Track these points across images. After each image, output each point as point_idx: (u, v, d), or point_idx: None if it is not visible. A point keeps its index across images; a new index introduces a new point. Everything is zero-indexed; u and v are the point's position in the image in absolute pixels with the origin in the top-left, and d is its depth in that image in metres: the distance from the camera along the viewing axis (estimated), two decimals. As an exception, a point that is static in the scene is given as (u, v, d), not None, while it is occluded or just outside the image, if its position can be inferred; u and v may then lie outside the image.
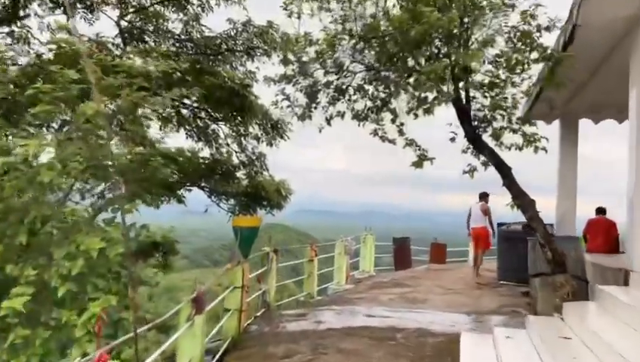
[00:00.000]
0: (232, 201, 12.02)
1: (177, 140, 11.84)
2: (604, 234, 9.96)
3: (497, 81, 5.81)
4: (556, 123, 10.29)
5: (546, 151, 6.10)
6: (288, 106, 6.47)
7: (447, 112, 6.23)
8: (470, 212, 11.81)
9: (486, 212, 11.62)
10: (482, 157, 6.60)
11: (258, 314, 8.28)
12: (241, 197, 11.39)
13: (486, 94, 5.93)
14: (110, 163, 5.42)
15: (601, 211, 10.45)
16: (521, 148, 6.42)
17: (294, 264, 13.34)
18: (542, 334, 5.19)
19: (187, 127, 11.09)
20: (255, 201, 11.69)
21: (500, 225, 11.48)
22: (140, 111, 6.03)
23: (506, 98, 5.86)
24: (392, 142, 7.27)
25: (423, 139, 7.14)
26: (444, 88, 5.90)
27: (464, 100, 6.03)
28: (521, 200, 5.90)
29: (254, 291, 8.75)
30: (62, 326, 3.92)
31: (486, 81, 6.05)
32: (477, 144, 6.09)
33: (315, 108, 6.70)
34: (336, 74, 6.33)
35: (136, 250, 5.37)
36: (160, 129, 10.90)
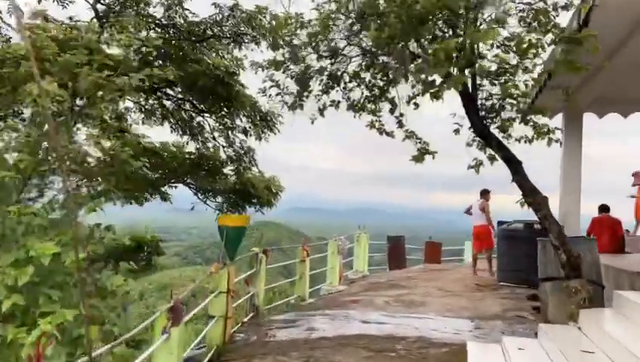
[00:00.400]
0: (219, 199, 11.42)
1: (162, 135, 11.23)
2: (609, 233, 9.54)
3: (507, 66, 5.27)
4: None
5: (561, 143, 5.60)
6: (278, 94, 5.89)
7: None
8: (470, 208, 11.36)
9: (484, 209, 11.15)
10: (489, 151, 6.08)
11: (246, 319, 7.73)
12: (229, 194, 10.79)
13: (495, 81, 5.39)
14: (71, 155, 4.82)
15: (604, 209, 10.03)
16: (531, 141, 5.90)
17: (286, 262, 12.83)
18: (560, 346, 4.68)
19: (172, 120, 10.46)
20: (244, 199, 11.11)
21: (499, 223, 11.00)
22: (101, 93, 5.37)
23: (517, 85, 5.32)
24: (390, 134, 6.73)
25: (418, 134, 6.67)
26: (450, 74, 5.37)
27: (470, 88, 5.49)
28: (533, 197, 5.38)
29: (243, 294, 8.23)
30: (8, 344, 3.34)
31: (494, 68, 5.52)
32: (485, 136, 5.55)
33: (307, 97, 6.12)
34: (330, 59, 5.75)
35: (102, 254, 4.77)
36: (142, 122, 10.26)
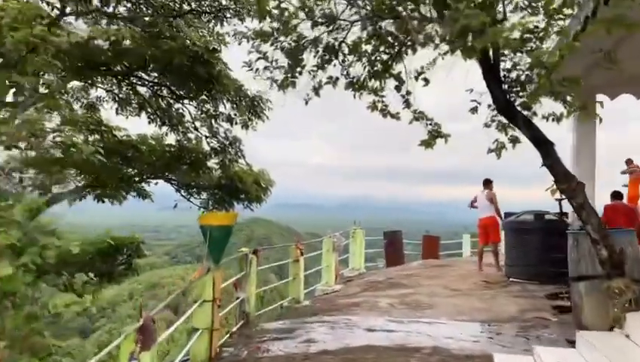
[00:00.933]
0: (204, 195, 10.52)
1: (141, 126, 10.31)
2: (624, 220, 8.82)
3: (536, 30, 4.47)
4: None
5: (601, 120, 4.85)
6: (265, 68, 5.02)
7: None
8: (475, 200, 10.63)
9: (492, 200, 10.42)
10: (510, 132, 5.29)
11: (235, 328, 6.89)
12: (215, 190, 9.90)
13: (521, 48, 4.58)
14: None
15: (617, 196, 9.36)
16: (559, 119, 5.12)
17: (278, 258, 12.02)
18: (608, 357, 3.92)
19: (149, 109, 9.53)
20: (231, 195, 10.21)
21: (507, 215, 10.27)
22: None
23: (545, 54, 4.52)
24: (396, 116, 5.92)
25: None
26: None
27: (492, 57, 4.69)
28: (568, 183, 4.59)
29: (231, 300, 7.39)
30: None
31: (515, 36, 4.71)
32: (509, 113, 4.75)
33: (300, 73, 5.26)
34: (327, 26, 4.90)
35: (54, 264, 3.91)
36: (117, 113, 9.33)
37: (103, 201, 9.48)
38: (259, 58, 4.92)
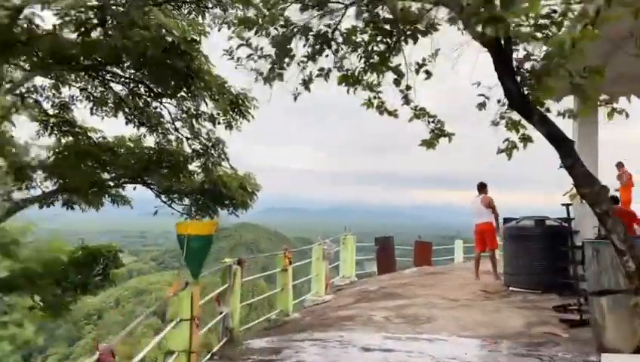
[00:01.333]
0: (186, 201, 9.87)
1: (119, 128, 9.63)
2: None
3: (554, 14, 3.97)
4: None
5: (627, 115, 4.37)
6: (249, 57, 4.43)
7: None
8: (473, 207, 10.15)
9: (490, 204, 9.94)
10: (521, 130, 4.78)
11: (217, 348, 6.26)
12: (197, 195, 9.27)
13: (537, 33, 4.06)
14: None
15: (614, 201, 8.92)
16: (575, 116, 4.62)
17: (267, 263, 11.41)
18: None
19: (126, 109, 8.87)
20: (214, 200, 9.58)
21: (506, 220, 9.78)
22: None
23: (565, 42, 4.00)
24: (393, 114, 5.38)
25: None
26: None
27: (503, 44, 4.17)
28: (590, 187, 4.08)
29: (213, 314, 6.79)
30: None
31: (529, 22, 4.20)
32: (523, 108, 4.23)
33: (289, 64, 4.69)
34: (318, 9, 4.33)
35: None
36: (91, 113, 8.67)
37: (73, 208, 8.80)
38: (241, 45, 4.33)
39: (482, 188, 10.41)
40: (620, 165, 13.78)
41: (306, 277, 10.53)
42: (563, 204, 6.90)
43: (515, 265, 9.13)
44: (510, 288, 9.04)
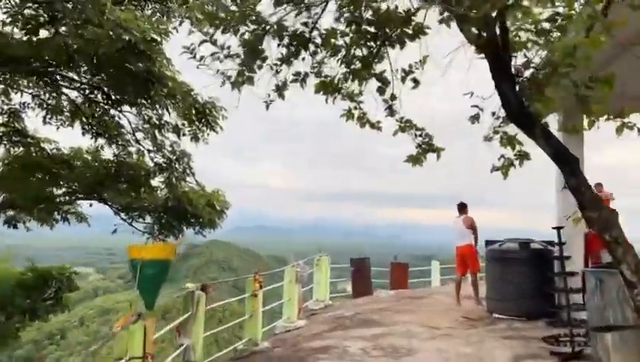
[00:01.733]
0: (148, 219, 9.11)
1: (77, 139, 8.86)
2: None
3: (559, 16, 3.55)
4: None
5: (639, 131, 3.97)
6: (213, 55, 3.86)
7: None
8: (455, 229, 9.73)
9: (472, 225, 9.54)
10: (518, 147, 4.33)
11: (174, 387, 5.55)
12: (160, 213, 8.54)
13: (538, 39, 3.64)
14: None
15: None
16: (577, 131, 4.20)
17: (231, 299, 10.67)
18: None
19: (83, 118, 8.14)
20: (179, 218, 8.86)
21: (487, 243, 9.37)
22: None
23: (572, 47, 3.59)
24: (376, 126, 4.87)
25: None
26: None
27: (501, 47, 3.72)
28: (597, 211, 3.62)
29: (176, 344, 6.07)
30: None
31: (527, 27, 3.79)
32: (524, 121, 3.77)
33: (260, 67, 4.14)
34: (294, 5, 3.81)
35: None
36: (44, 122, 7.91)
37: (16, 226, 7.97)
38: (203, 41, 3.74)
39: (463, 208, 10.04)
40: (598, 186, 13.68)
41: (278, 301, 9.86)
42: (554, 227, 6.49)
43: (498, 291, 8.69)
44: (494, 314, 8.58)
